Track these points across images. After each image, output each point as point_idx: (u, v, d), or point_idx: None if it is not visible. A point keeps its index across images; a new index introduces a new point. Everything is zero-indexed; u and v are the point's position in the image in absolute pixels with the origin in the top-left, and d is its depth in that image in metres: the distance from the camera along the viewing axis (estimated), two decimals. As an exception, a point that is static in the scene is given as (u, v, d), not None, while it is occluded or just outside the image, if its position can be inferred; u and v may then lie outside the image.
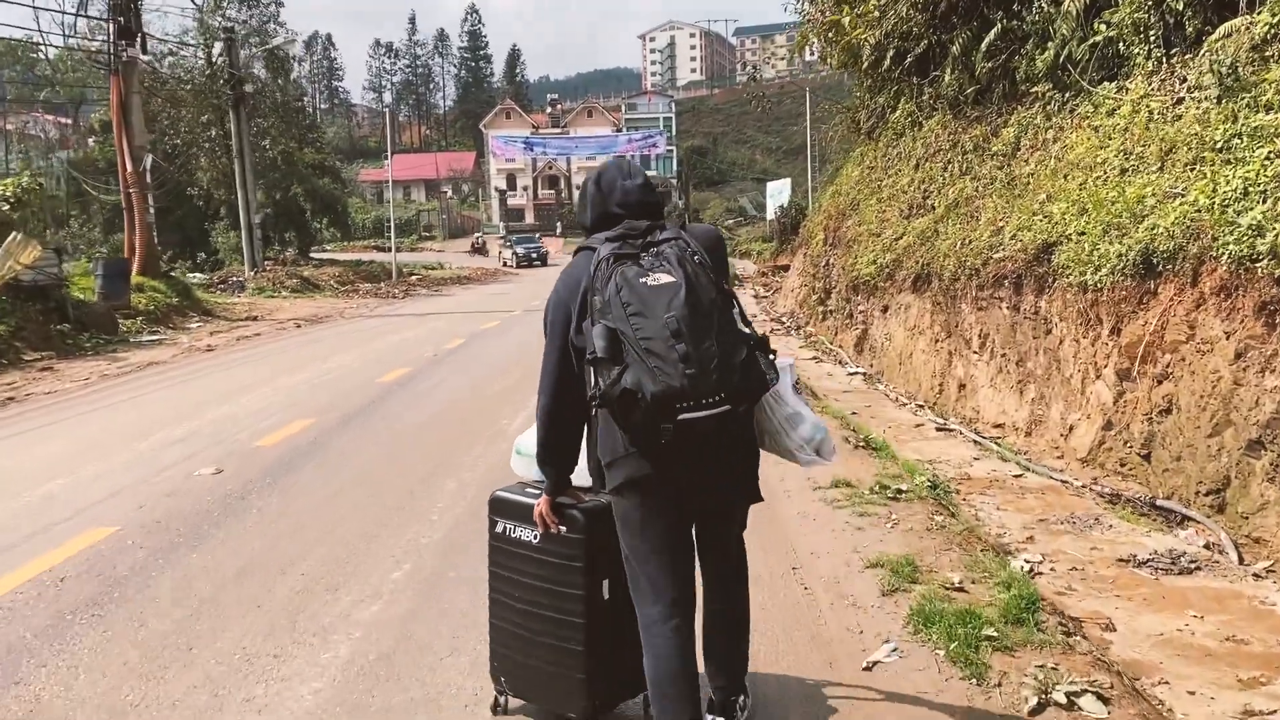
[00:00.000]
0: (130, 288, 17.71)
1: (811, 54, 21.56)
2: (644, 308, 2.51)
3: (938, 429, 7.88)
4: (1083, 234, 7.22)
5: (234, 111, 27.56)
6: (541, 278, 36.24)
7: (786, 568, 4.45)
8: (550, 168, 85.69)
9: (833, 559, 4.53)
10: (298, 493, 6.05)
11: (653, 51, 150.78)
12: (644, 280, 2.56)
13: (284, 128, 41.31)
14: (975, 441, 7.40)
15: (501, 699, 3.23)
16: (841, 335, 12.73)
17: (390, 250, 62.02)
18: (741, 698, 2.96)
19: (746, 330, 2.66)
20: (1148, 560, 4.51)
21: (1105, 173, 7.62)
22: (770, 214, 37.51)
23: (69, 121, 53.07)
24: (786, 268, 27.37)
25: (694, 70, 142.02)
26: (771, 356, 2.66)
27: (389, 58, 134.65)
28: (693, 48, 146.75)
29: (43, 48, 33.27)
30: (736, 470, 2.74)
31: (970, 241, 9.21)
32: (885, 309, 10.95)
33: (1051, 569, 4.49)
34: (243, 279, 26.83)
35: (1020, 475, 6.28)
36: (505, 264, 49.73)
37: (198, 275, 28.90)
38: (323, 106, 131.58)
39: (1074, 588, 4.27)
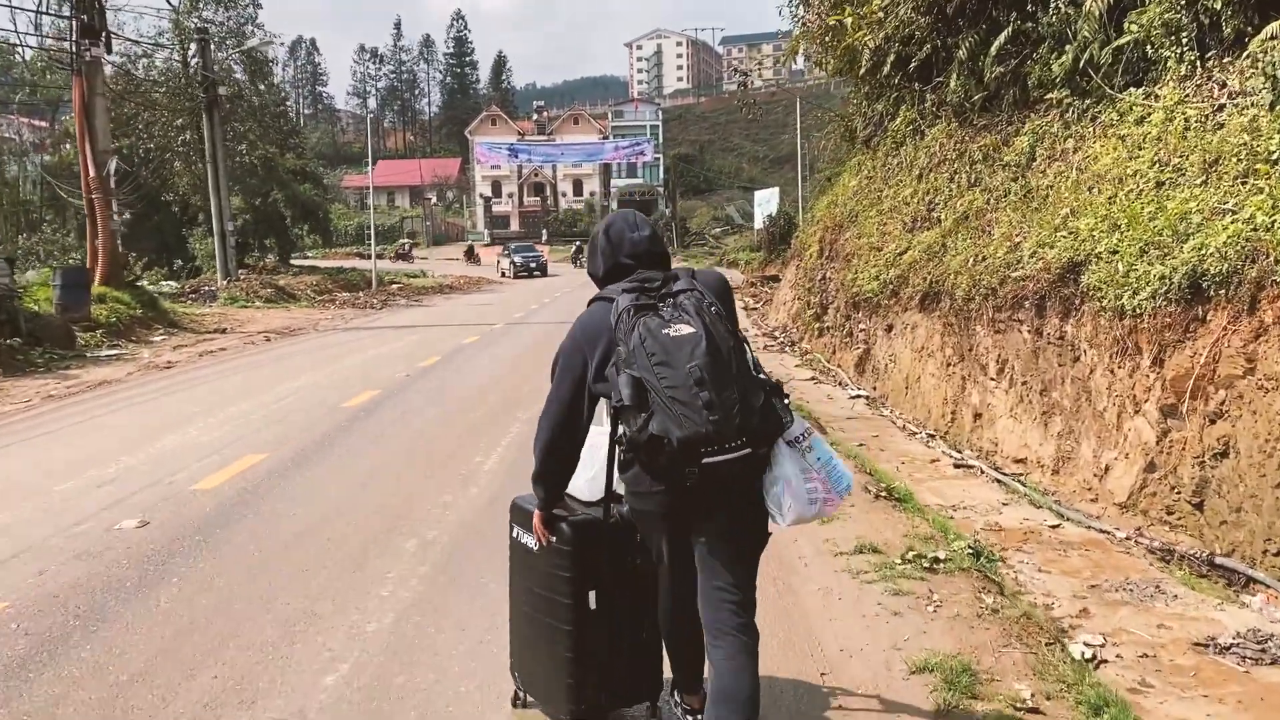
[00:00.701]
0: (90, 298, 16.84)
1: (802, 62, 20.97)
2: (668, 357, 2.61)
3: (956, 465, 7.18)
4: (1115, 253, 6.56)
5: (207, 115, 26.69)
6: (533, 289, 35.30)
7: (813, 672, 3.66)
8: (536, 175, 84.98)
9: (868, 659, 3.73)
10: (230, 555, 5.20)
11: (639, 60, 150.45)
12: (666, 331, 2.66)
13: (262, 132, 40.46)
14: (998, 480, 6.71)
15: (520, 693, 3.39)
16: (840, 354, 12.04)
17: (379, 257, 61.43)
18: None
19: (761, 376, 2.77)
20: (1231, 646, 3.82)
21: (1138, 185, 6.96)
22: (758, 223, 36.87)
23: (45, 124, 52.02)
24: (776, 278, 26.73)
25: (680, 79, 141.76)
26: (786, 400, 2.80)
27: (374, 63, 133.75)
28: (679, 56, 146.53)
29: (19, 49, 32.29)
30: (755, 510, 2.81)
31: (984, 258, 8.54)
32: (889, 328, 10.27)
33: (1118, 655, 3.78)
34: (215, 288, 25.93)
35: (1057, 525, 5.58)
36: (504, 274, 47.82)
37: (171, 284, 28.00)
38: (306, 112, 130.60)
39: (1149, 683, 3.56)
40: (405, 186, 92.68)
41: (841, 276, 12.34)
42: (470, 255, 62.26)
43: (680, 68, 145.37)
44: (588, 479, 3.20)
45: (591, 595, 3.09)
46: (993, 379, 7.87)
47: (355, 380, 11.75)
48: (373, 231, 36.67)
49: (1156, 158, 6.98)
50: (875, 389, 10.50)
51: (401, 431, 8.68)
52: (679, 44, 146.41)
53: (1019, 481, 6.65)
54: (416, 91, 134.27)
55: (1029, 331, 7.47)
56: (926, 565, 4.66)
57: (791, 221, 34.13)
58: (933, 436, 8.35)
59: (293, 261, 52.04)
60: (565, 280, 38.97)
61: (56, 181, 33.04)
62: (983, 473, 6.92)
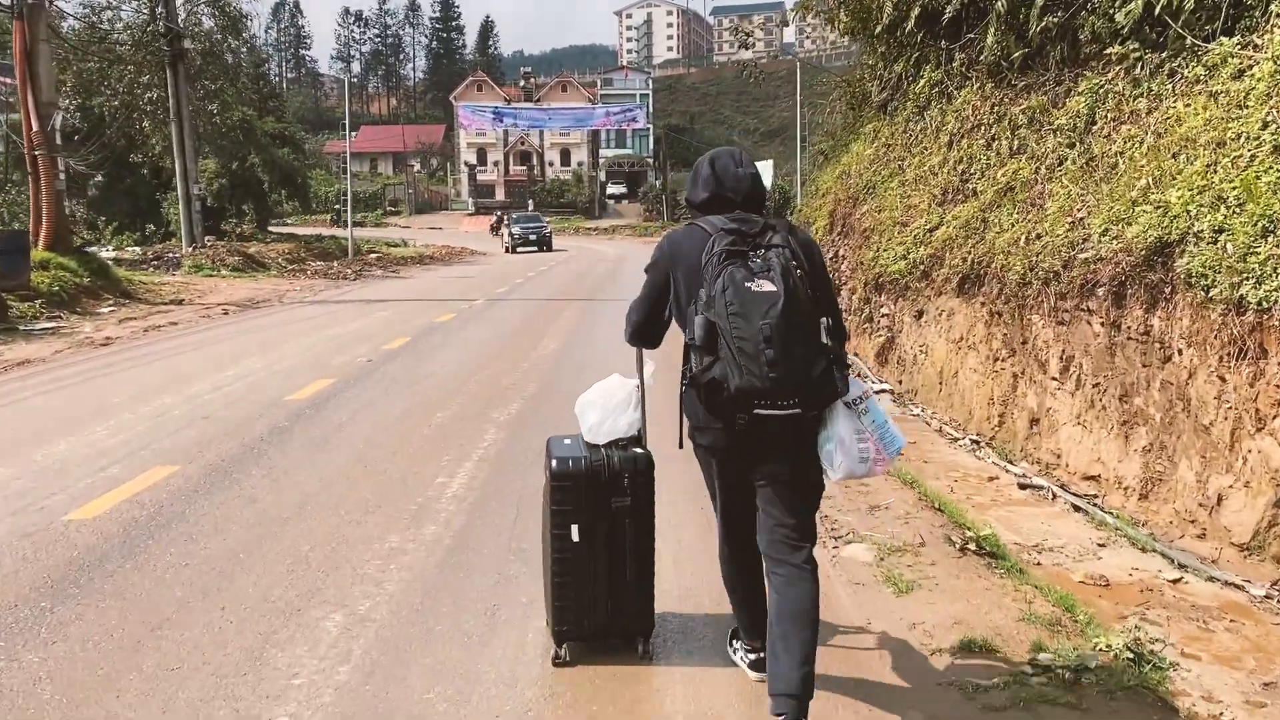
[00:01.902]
0: (30, 265, 15.42)
1: (794, 34, 19.60)
2: (744, 310, 2.78)
3: (1021, 485, 5.99)
4: (1222, 231, 5.37)
5: (171, 70, 25.08)
6: (522, 261, 33.63)
7: None
8: (523, 143, 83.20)
9: None
10: (90, 624, 3.82)
11: (629, 28, 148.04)
12: (749, 285, 2.81)
13: (237, 93, 38.76)
14: (1075, 507, 5.53)
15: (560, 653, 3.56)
16: (857, 341, 10.83)
17: (359, 225, 59.58)
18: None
19: (829, 343, 2.88)
20: None
21: (1247, 151, 5.75)
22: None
23: (6, 81, 49.98)
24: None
25: (671, 49, 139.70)
26: (847, 371, 2.95)
27: (358, 27, 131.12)
28: (670, 25, 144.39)
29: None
30: (811, 462, 3.01)
31: (1039, 235, 7.34)
32: (919, 314, 9.05)
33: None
34: (179, 256, 24.43)
35: (1179, 579, 4.40)
36: (506, 248, 43.13)
37: (135, 250, 26.47)
38: (289, 76, 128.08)
39: None
40: (388, 153, 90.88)
41: (859, 255, 11.11)
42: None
43: (670, 37, 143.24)
44: (594, 423, 3.48)
45: (574, 528, 3.38)
46: (1054, 379, 6.68)
47: (309, 365, 10.38)
48: (349, 198, 35.00)
49: (1269, 118, 5.77)
50: (901, 383, 9.30)
51: (350, 437, 7.22)
52: (669, 13, 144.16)
53: (1102, 508, 5.48)
54: (401, 56, 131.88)
55: (1102, 324, 6.28)
56: (1069, 677, 3.30)
57: (786, 196, 32.90)
58: (978, 444, 7.17)
59: (271, 228, 50.63)
60: (564, 256, 37.30)
61: (19, 139, 31.38)
62: (1055, 497, 5.74)
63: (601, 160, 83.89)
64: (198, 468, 6.25)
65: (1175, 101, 6.90)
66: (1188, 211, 5.73)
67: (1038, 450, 6.70)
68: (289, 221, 60.69)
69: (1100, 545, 4.81)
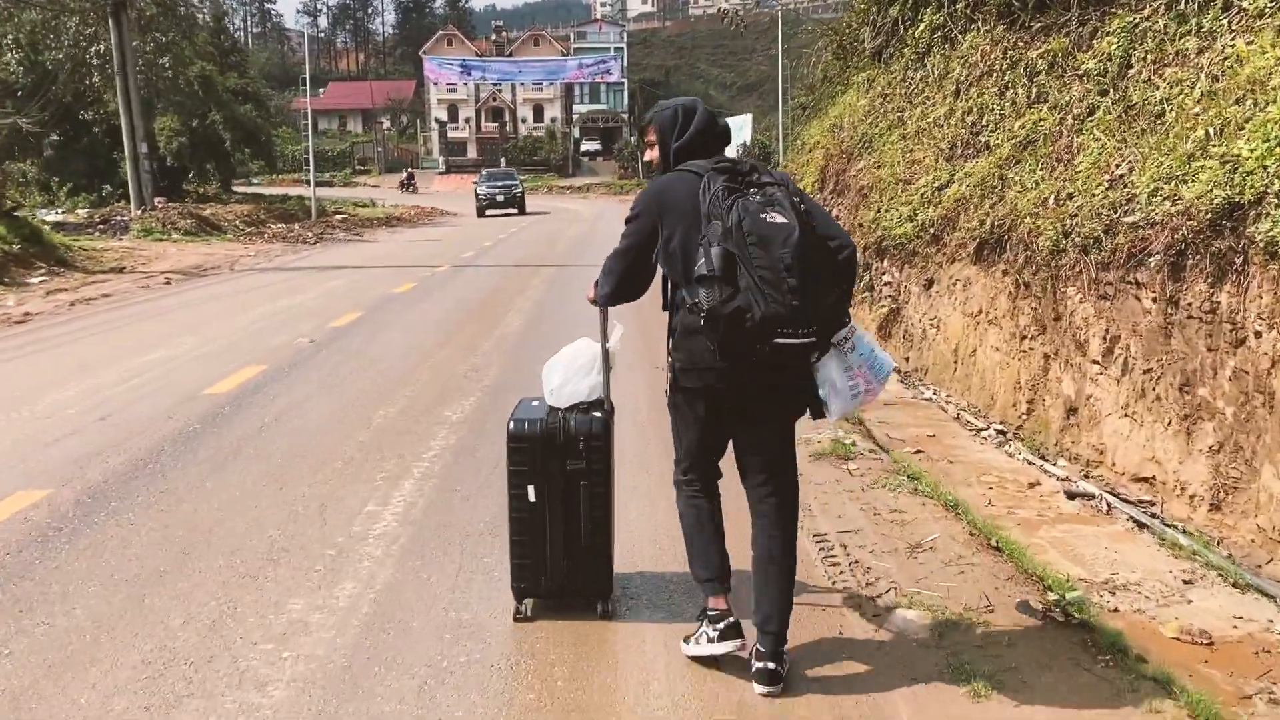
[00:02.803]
0: (-49, 232, 14.22)
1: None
2: (762, 240, 2.84)
3: (1069, 495, 5.11)
4: (1312, 190, 4.49)
5: (114, 21, 23.56)
6: (494, 223, 32.08)
7: None
8: (495, 99, 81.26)
9: None
10: None
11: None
12: (764, 216, 2.88)
13: (193, 47, 37.07)
14: (1137, 522, 4.66)
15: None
16: (856, 310, 9.93)
17: (326, 185, 57.77)
18: (783, 651, 3.14)
19: (837, 275, 3.03)
20: None
21: (1335, 94, 4.86)
22: (731, 151, 34.25)
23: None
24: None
25: (645, 2, 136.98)
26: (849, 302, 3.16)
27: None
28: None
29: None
30: (789, 393, 3.15)
31: (1071, 195, 6.44)
32: (929, 283, 8.14)
33: None
34: (128, 219, 23.08)
35: (1294, 632, 3.55)
36: (477, 210, 38.68)
37: (82, 212, 25.07)
38: (254, 31, 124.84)
39: None
40: (357, 110, 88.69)
41: (857, 215, 10.17)
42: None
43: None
44: (557, 385, 3.56)
45: (530, 489, 3.47)
46: (1095, 362, 5.80)
47: (241, 348, 9.18)
48: (311, 157, 33.46)
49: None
50: (908, 360, 8.42)
51: (268, 446, 5.98)
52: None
53: (1170, 523, 4.62)
54: (370, 10, 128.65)
55: (1154, 299, 5.40)
56: None
57: (766, 151, 31.86)
58: (1005, 435, 6.30)
59: (237, 188, 49.05)
60: (536, 217, 35.72)
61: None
62: (1110, 508, 4.87)
63: (575, 116, 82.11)
64: (71, 493, 5.07)
65: (1234, 38, 5.98)
66: (1264, 167, 4.83)
67: (1076, 445, 5.84)
68: (255, 181, 58.92)
69: (1186, 582, 3.93)
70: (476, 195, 38.94)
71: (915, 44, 11.11)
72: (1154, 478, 5.21)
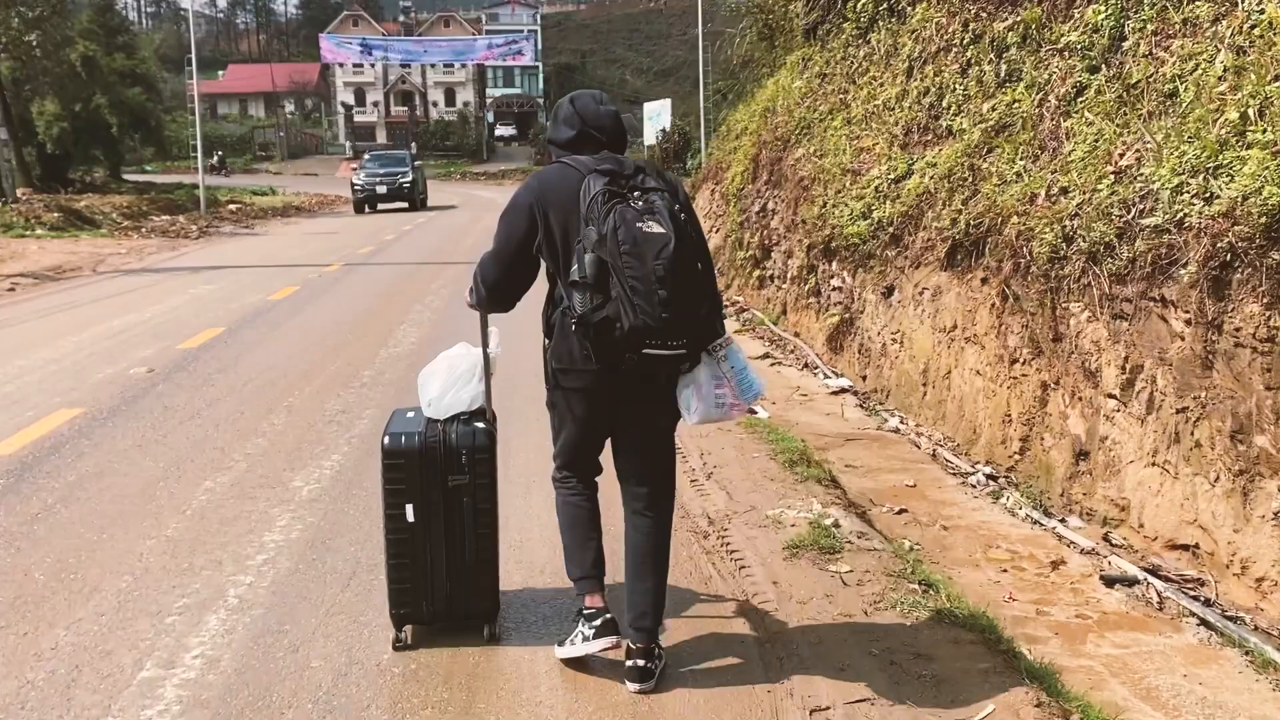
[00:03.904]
0: None
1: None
2: (637, 250, 2.76)
3: (1106, 581, 4.03)
4: None
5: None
6: (392, 218, 28.85)
7: None
8: (404, 82, 78.53)
9: None
10: None
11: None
12: (640, 225, 2.80)
13: (72, 25, 34.41)
14: (1202, 622, 3.62)
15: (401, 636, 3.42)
16: (799, 318, 8.83)
17: (222, 173, 54.68)
18: (655, 648, 3.11)
19: (709, 288, 3.01)
20: None
21: None
22: (649, 138, 33.02)
23: None
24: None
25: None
26: (722, 316, 3.13)
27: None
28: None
29: None
30: (666, 398, 3.08)
31: (1067, 190, 5.41)
32: (889, 291, 7.06)
33: None
34: (-15, 212, 20.85)
35: None
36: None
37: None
38: (149, 10, 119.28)
39: None
40: (259, 93, 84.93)
41: (797, 211, 9.05)
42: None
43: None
44: (435, 396, 3.34)
45: (409, 508, 3.24)
46: (1111, 396, 4.77)
47: (55, 384, 7.26)
48: (200, 142, 30.97)
49: None
50: (865, 379, 7.33)
51: (38, 545, 4.28)
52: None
53: (1252, 627, 3.58)
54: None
55: (1188, 321, 4.38)
56: None
57: (687, 137, 30.73)
58: (997, 482, 5.24)
59: (129, 176, 46.10)
60: (443, 209, 33.29)
61: None
62: (1162, 601, 3.81)
63: (489, 100, 79.94)
64: None
65: (1261, 3, 5.00)
66: (1335, 159, 3.84)
67: (1089, 497, 4.81)
68: (149, 169, 55.68)
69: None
70: (352, 186, 31.02)
71: (857, 18, 10.07)
72: (1197, 546, 4.20)
